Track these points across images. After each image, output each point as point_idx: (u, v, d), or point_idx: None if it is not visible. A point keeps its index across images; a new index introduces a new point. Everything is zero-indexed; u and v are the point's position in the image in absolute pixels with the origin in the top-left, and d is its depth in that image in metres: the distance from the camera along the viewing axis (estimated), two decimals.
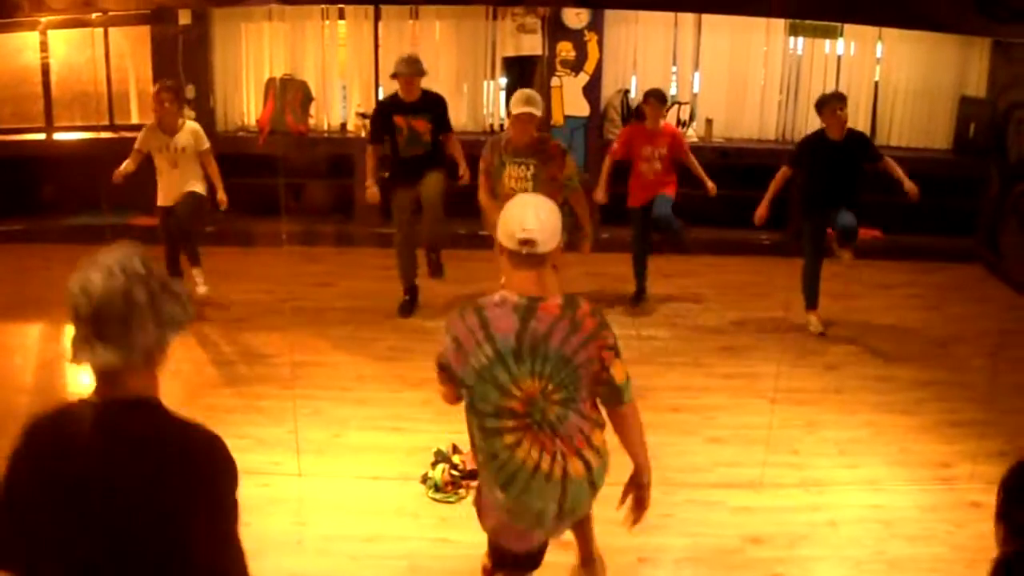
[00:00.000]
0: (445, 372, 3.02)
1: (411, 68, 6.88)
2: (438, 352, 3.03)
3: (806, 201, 7.08)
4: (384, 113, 7.17)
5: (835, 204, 6.79)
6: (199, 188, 7.20)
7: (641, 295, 7.68)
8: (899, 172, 6.81)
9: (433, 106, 7.10)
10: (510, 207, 2.96)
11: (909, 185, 6.74)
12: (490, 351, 2.85)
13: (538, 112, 6.07)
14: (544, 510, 2.97)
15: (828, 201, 6.84)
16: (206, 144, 7.17)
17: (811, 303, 7.16)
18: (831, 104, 6.78)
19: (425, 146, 7.09)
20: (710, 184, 7.34)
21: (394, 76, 7.02)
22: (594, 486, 3.07)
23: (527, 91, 6.21)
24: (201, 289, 7.39)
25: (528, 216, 2.88)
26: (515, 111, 6.01)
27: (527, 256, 2.89)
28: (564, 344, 2.87)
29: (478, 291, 7.30)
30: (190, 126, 7.17)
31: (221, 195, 7.17)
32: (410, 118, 7.02)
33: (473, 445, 3.08)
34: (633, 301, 7.64)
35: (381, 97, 9.12)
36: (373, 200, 7.18)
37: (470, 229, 8.25)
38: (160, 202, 7.20)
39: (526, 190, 5.88)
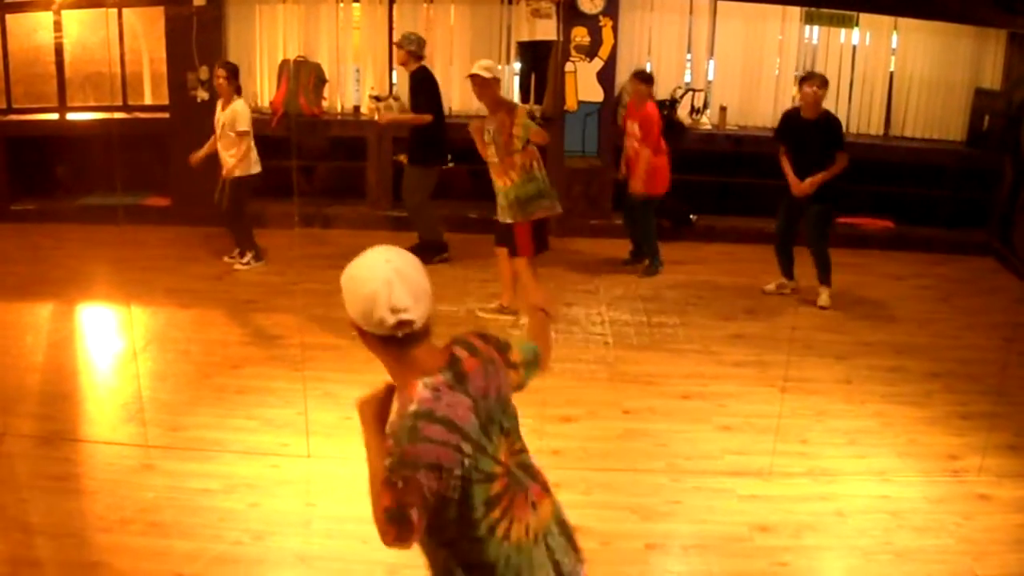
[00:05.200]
0: (418, 512, 2.18)
1: (403, 42, 7.71)
2: (397, 501, 2.16)
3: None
4: None
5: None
6: (238, 171, 7.61)
7: (632, 259, 8.25)
8: (828, 174, 6.97)
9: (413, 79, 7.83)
10: (355, 283, 2.30)
11: (809, 183, 7.00)
12: (469, 447, 2.22)
13: (483, 73, 6.36)
14: None
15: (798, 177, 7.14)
16: (240, 127, 7.53)
17: (783, 271, 7.58)
18: (808, 82, 7.09)
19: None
20: (630, 178, 7.89)
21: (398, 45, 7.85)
22: (563, 523, 2.57)
23: (483, 60, 6.66)
24: (237, 266, 7.89)
25: (393, 291, 2.20)
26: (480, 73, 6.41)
27: (409, 336, 2.24)
28: (499, 389, 2.39)
29: (475, 275, 7.43)
30: (234, 106, 7.56)
31: (228, 169, 7.64)
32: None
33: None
34: (628, 261, 8.25)
35: (395, 80, 9.34)
36: None
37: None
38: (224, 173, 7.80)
39: (494, 154, 6.41)
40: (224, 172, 7.62)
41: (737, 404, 5.67)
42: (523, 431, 2.44)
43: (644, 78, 7.82)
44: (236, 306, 7.06)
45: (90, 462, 4.87)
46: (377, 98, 9.05)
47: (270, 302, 7.11)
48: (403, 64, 7.81)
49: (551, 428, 5.10)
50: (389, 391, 2.40)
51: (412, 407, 2.21)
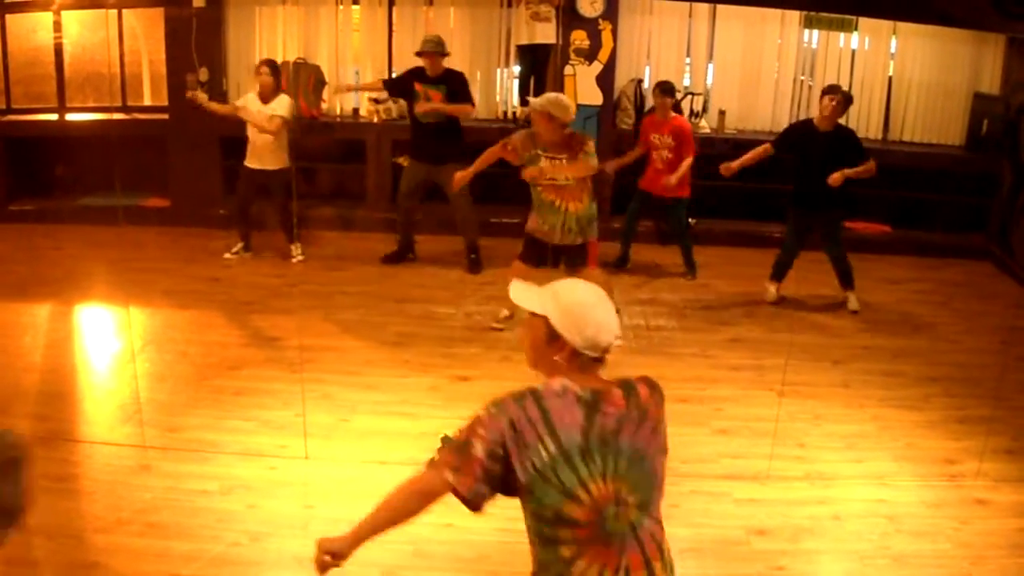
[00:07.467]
0: (481, 459, 2.39)
1: (433, 47, 7.63)
2: (470, 433, 2.45)
3: (793, 190, 7.34)
4: (407, 76, 7.91)
5: (816, 197, 7.02)
6: (282, 162, 7.87)
7: (623, 261, 8.27)
8: (858, 172, 6.86)
9: (450, 80, 7.74)
10: (587, 308, 2.44)
11: (840, 175, 6.81)
12: (553, 447, 2.33)
13: (541, 107, 5.93)
14: None
15: (809, 192, 7.08)
16: (279, 111, 7.72)
17: (775, 275, 7.52)
18: (829, 94, 7.00)
19: (438, 116, 7.68)
20: (658, 183, 7.97)
21: (419, 54, 7.71)
22: None
23: (553, 94, 6.18)
24: (296, 259, 8.00)
25: (613, 320, 2.46)
26: (532, 106, 6.09)
27: (598, 359, 2.46)
28: (635, 437, 2.41)
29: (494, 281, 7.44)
30: (282, 98, 7.78)
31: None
32: (428, 87, 7.69)
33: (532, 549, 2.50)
34: (615, 264, 8.13)
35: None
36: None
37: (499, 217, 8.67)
38: (246, 162, 7.95)
39: (563, 180, 6.07)
40: (259, 161, 7.90)
41: (734, 408, 5.67)
42: None
43: (667, 90, 7.88)
44: (234, 307, 7.05)
45: (88, 463, 4.87)
46: (376, 100, 9.05)
47: (268, 304, 7.11)
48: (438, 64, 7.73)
49: None
50: None
51: (538, 387, 2.41)
